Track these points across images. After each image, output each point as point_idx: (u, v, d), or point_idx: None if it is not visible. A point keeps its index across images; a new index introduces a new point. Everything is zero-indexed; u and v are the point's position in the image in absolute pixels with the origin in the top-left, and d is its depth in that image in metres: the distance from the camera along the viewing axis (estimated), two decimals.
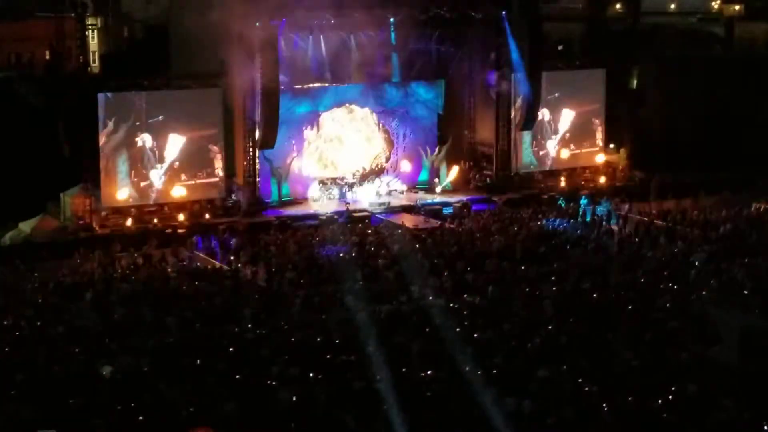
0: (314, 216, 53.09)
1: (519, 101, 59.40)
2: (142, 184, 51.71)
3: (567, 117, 61.67)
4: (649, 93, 63.06)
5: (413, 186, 59.07)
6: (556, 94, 61.04)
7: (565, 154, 61.82)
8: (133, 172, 51.49)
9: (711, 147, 62.98)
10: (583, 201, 54.26)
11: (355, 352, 30.38)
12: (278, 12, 51.85)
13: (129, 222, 50.65)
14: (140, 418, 26.10)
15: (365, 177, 57.90)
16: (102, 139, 50.58)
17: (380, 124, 59.42)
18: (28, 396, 27.12)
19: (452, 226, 50.06)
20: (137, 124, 51.25)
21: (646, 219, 50.96)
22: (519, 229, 47.88)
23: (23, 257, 43.89)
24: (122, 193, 51.36)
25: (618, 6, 79.97)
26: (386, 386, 27.36)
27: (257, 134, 52.79)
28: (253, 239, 46.77)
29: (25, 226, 50.44)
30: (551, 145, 61.51)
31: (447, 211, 54.56)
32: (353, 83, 58.15)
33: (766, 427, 24.68)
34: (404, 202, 56.30)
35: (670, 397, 26.91)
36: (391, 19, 56.46)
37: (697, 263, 41.76)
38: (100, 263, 43.55)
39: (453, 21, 57.89)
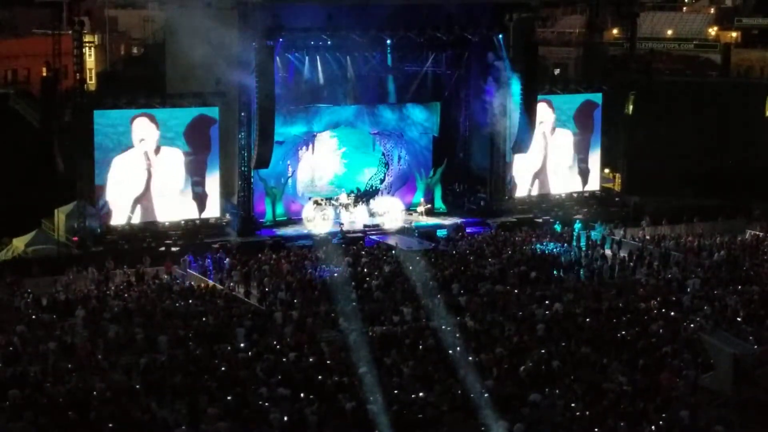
0: (308, 236, 52.98)
1: (514, 124, 59.17)
2: (136, 201, 51.51)
3: (563, 141, 61.59)
4: (644, 118, 63.00)
5: (408, 208, 58.96)
6: (552, 118, 60.98)
7: (560, 177, 61.66)
8: (127, 189, 51.29)
9: (706, 173, 62.99)
10: (578, 225, 54.24)
11: (347, 373, 30.36)
12: (275, 32, 51.90)
13: (122, 239, 50.49)
14: None
15: (360, 198, 57.81)
16: (96, 157, 50.47)
17: (375, 146, 59.44)
18: (19, 412, 27.03)
19: (446, 248, 50.02)
20: (132, 141, 51.14)
21: (640, 244, 50.99)
22: (513, 253, 47.87)
23: (17, 273, 43.76)
24: (116, 211, 51.15)
25: (615, 31, 80.00)
26: (378, 408, 27.32)
27: (252, 154, 52.71)
28: (247, 259, 46.65)
29: (20, 242, 50.31)
30: (546, 169, 61.35)
31: (441, 233, 54.47)
32: (349, 104, 58.12)
33: None
34: (398, 224, 56.15)
35: (662, 423, 26.91)
36: (388, 41, 56.54)
37: (690, 289, 41.82)
38: (93, 280, 43.50)
39: (449, 44, 57.99)
